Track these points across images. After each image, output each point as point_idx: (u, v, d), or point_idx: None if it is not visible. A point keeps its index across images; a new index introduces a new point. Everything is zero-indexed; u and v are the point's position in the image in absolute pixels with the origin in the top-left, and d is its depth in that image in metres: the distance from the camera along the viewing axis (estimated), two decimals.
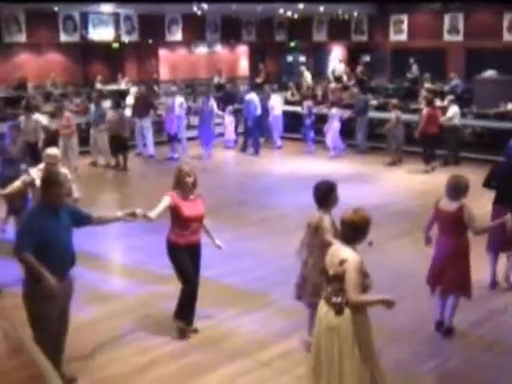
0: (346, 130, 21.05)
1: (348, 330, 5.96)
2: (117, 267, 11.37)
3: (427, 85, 24.65)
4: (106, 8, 25.61)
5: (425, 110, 18.52)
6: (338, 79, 28.31)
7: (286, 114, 22.81)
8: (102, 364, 7.61)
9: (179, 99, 20.81)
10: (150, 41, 28.48)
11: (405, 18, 29.52)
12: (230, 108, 22.07)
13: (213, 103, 21.02)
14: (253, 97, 21.37)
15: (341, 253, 6.03)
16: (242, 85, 28.23)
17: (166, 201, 7.92)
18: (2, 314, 4.62)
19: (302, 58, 34.52)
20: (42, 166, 9.74)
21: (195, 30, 29.34)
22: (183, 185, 7.99)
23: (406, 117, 20.00)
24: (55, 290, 6.47)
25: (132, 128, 20.37)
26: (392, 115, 19.18)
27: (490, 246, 9.89)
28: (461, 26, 27.74)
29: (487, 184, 10.06)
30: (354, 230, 6.04)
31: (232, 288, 9.86)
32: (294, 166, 19.29)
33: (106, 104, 20.40)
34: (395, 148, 19.31)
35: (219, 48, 32.43)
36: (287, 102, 24.98)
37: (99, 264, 10.95)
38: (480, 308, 8.97)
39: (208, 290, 8.71)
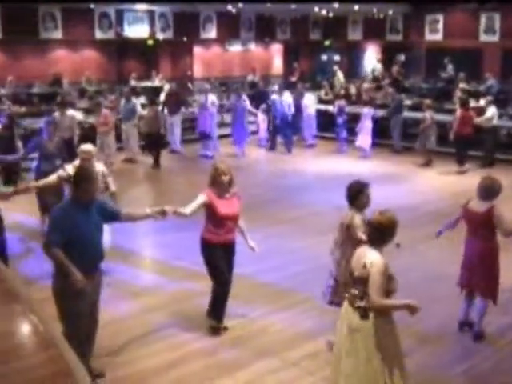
0: (380, 130, 20.96)
1: (370, 334, 5.94)
2: (149, 263, 11.41)
3: (462, 85, 24.43)
4: (141, 6, 25.75)
5: (458, 112, 18.38)
6: (377, 79, 28.12)
7: (319, 112, 22.78)
8: (131, 359, 7.65)
9: (211, 97, 20.88)
10: (185, 38, 28.56)
11: (440, 17, 29.26)
12: (263, 106, 22.03)
13: (245, 101, 21.03)
14: (277, 96, 21.43)
15: (366, 255, 6.01)
16: (275, 83, 28.18)
17: (201, 198, 7.89)
18: (30, 307, 4.64)
19: (337, 57, 34.41)
20: (77, 162, 9.81)
21: (229, 28, 29.43)
22: (219, 183, 7.94)
23: (439, 117, 19.87)
24: (83, 287, 6.51)
25: (164, 125, 20.45)
26: (427, 115, 19.03)
27: None
28: (497, 26, 27.44)
29: None
30: (381, 232, 6.02)
31: (263, 286, 9.87)
32: (326, 165, 19.26)
33: (140, 101, 20.51)
34: (427, 149, 19.18)
35: (253, 46, 32.43)
36: (321, 101, 24.94)
37: (131, 260, 11.03)
38: (510, 312, 8.88)
39: (239, 287, 8.70)
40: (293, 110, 21.36)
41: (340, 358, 6.18)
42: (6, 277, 5.87)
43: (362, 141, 20.40)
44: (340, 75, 29.00)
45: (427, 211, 14.19)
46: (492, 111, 18.54)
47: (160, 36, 27.32)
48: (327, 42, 33.77)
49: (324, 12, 29.50)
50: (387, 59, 29.60)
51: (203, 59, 30.50)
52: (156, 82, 26.76)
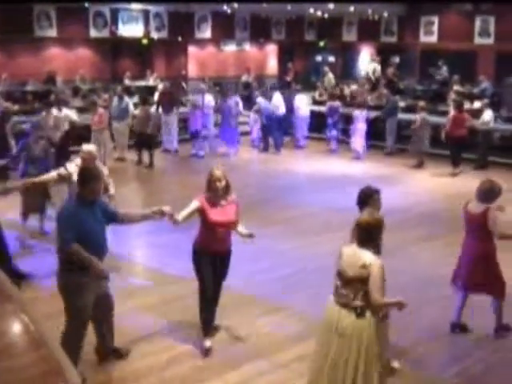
0: (374, 132, 20.99)
1: (371, 333, 6.03)
2: (140, 264, 11.37)
3: (456, 87, 24.47)
4: (136, 5, 25.74)
5: (451, 113, 18.48)
6: (376, 80, 28.06)
7: (312, 113, 22.84)
8: (120, 361, 7.63)
9: (208, 97, 20.97)
10: (180, 38, 28.54)
11: (435, 19, 29.28)
12: (254, 107, 22.08)
13: (235, 101, 21.12)
14: (262, 98, 21.59)
15: (362, 256, 6.06)
16: (268, 84, 28.23)
17: (194, 204, 7.69)
18: (21, 307, 4.64)
19: (331, 58, 34.41)
20: (78, 161, 9.85)
21: (224, 28, 29.42)
22: (214, 189, 7.68)
23: (433, 119, 19.92)
24: (105, 275, 6.94)
25: (158, 124, 20.45)
26: (417, 117, 19.13)
27: None
28: (492, 28, 27.49)
29: None
30: (370, 232, 6.14)
31: (253, 288, 9.83)
32: (319, 166, 19.30)
33: (134, 100, 20.52)
34: (419, 150, 19.23)
35: (248, 46, 32.41)
36: (315, 102, 24.98)
37: (122, 261, 10.96)
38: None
39: (229, 289, 8.66)
40: (283, 110, 21.41)
41: (326, 361, 6.20)
42: None
43: (355, 143, 20.46)
44: (331, 76, 29.00)
45: (419, 213, 14.22)
46: (489, 114, 18.60)
47: (155, 35, 27.29)
48: (322, 43, 33.78)
49: (319, 13, 29.50)
50: (382, 61, 29.59)
51: (198, 59, 30.48)
52: (150, 82, 26.76)
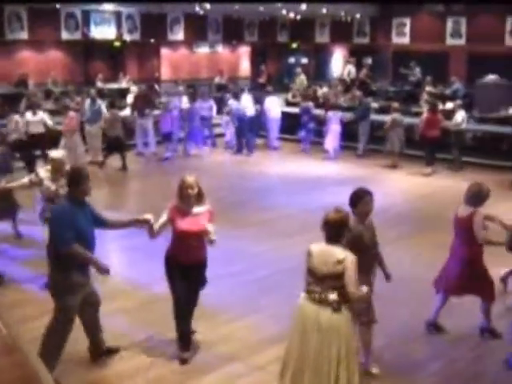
0: (347, 133, 21.01)
1: (348, 327, 6.21)
2: (114, 267, 11.26)
3: (429, 88, 24.59)
4: (108, 6, 25.59)
5: (425, 114, 18.62)
6: (352, 81, 28.07)
7: (285, 115, 22.87)
8: (99, 364, 7.58)
9: (185, 99, 21.01)
10: (152, 40, 28.46)
11: (407, 20, 29.44)
12: (226, 109, 22.05)
13: (210, 105, 21.39)
14: (233, 100, 21.61)
15: (335, 252, 6.22)
16: (242, 85, 28.18)
17: (164, 215, 7.50)
18: None
19: (304, 60, 34.46)
20: (49, 166, 9.76)
21: (197, 30, 29.36)
22: (185, 196, 7.43)
23: (407, 120, 19.98)
24: (108, 270, 7.24)
25: (131, 127, 20.36)
26: (388, 118, 19.25)
27: None
28: (463, 29, 27.69)
29: None
30: (339, 228, 6.30)
31: (228, 291, 9.79)
32: (291, 168, 19.29)
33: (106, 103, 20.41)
34: (392, 151, 19.31)
35: (221, 48, 32.38)
36: (288, 104, 25.00)
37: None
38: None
39: (203, 292, 8.58)
40: (252, 112, 21.39)
41: (305, 361, 6.25)
42: None
43: (328, 144, 20.52)
44: (303, 78, 29.02)
45: (395, 213, 14.23)
46: (461, 115, 18.69)
47: (127, 37, 27.17)
48: (294, 45, 33.82)
49: (292, 14, 29.52)
50: (357, 62, 29.69)
51: (170, 61, 30.40)
52: (123, 84, 26.65)
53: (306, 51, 34.49)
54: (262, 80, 29.99)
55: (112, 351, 7.81)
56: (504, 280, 9.87)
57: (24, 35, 24.34)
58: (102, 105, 19.61)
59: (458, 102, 20.19)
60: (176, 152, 20.58)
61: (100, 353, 7.71)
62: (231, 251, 11.32)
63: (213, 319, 8.61)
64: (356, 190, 7.49)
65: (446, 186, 16.91)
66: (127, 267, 11.06)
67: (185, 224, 7.41)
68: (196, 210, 7.47)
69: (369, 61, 28.91)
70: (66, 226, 6.92)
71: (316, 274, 6.25)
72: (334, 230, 6.29)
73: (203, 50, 31.58)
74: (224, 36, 30.53)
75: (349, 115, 21.02)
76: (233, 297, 9.64)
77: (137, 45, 28.44)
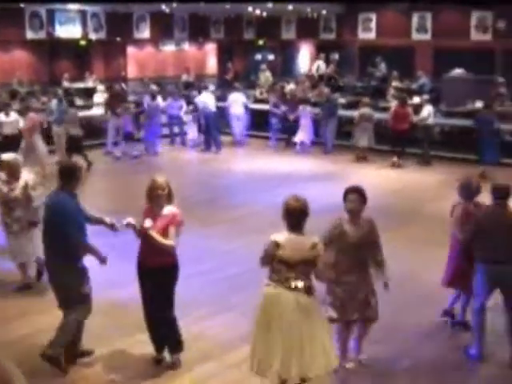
0: (316, 129, 21.09)
1: (318, 308, 6.63)
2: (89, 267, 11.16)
3: (395, 83, 24.71)
4: (73, 5, 25.36)
5: (392, 108, 18.79)
6: (320, 78, 28.07)
7: (253, 111, 22.91)
8: (70, 368, 7.48)
9: (159, 98, 21.02)
10: (118, 38, 28.26)
11: (373, 16, 29.55)
12: (190, 107, 22.01)
13: (180, 105, 21.50)
14: (198, 98, 21.68)
15: (306, 238, 6.49)
16: (210, 83, 28.11)
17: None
18: None
19: (271, 57, 34.48)
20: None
21: (163, 28, 29.22)
22: (155, 198, 7.25)
23: (375, 115, 20.05)
24: (105, 262, 7.58)
25: (101, 126, 20.22)
26: (357, 112, 19.42)
27: None
28: (429, 24, 27.86)
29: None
30: (300, 216, 6.45)
31: (198, 290, 9.71)
32: (260, 164, 19.30)
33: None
34: (362, 146, 19.42)
35: (187, 46, 32.24)
36: (257, 100, 25.00)
37: None
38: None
39: None
40: (213, 109, 21.37)
41: (279, 345, 6.37)
42: None
43: (298, 137, 20.63)
44: (268, 74, 29.03)
45: (366, 208, 14.22)
46: (428, 110, 18.81)
47: (93, 36, 26.95)
48: (261, 42, 33.79)
49: (258, 11, 29.49)
50: (326, 58, 29.74)
51: (137, 59, 30.21)
52: (90, 83, 26.45)
53: (272, 48, 34.48)
54: (228, 77, 29.94)
55: (86, 353, 7.74)
56: None
57: None
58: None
59: (425, 96, 20.33)
60: (144, 151, 20.47)
61: (75, 355, 7.63)
62: (201, 249, 11.27)
63: (183, 318, 8.26)
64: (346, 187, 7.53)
65: (415, 181, 17.01)
66: (101, 266, 10.95)
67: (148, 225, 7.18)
68: (165, 211, 7.30)
69: (336, 56, 28.97)
70: (75, 220, 7.23)
71: (289, 262, 6.40)
72: (295, 218, 6.46)
73: (169, 47, 31.42)
74: (190, 34, 30.41)
75: (317, 111, 21.08)
76: (203, 295, 9.59)
77: (103, 44, 28.22)
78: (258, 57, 34.72)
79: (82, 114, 20.82)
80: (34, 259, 9.87)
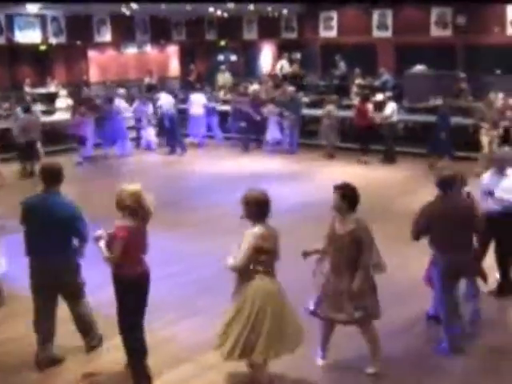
0: (280, 128, 21.14)
1: (281, 289, 6.91)
2: None
3: (358, 80, 24.83)
4: (32, 9, 25.05)
5: (355, 105, 19.03)
6: (284, 77, 28.09)
7: (217, 112, 22.97)
8: (43, 375, 7.43)
9: (123, 102, 20.94)
10: (79, 42, 28.05)
11: (334, 14, 29.69)
12: (151, 109, 21.98)
13: (118, 104, 21.21)
14: (162, 100, 21.69)
15: (273, 229, 6.84)
16: (172, 85, 28.08)
17: None
18: None
19: (233, 57, 34.47)
20: None
21: (124, 31, 29.08)
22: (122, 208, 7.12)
23: (339, 113, 20.14)
24: None
25: (63, 132, 20.05)
26: (323, 110, 19.51)
27: None
28: (389, 22, 28.05)
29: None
30: (268, 207, 6.82)
31: (167, 293, 9.55)
32: (225, 166, 19.26)
33: (38, 107, 20.07)
34: (327, 144, 19.52)
35: (149, 48, 32.12)
36: (223, 101, 25.00)
37: None
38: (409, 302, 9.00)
39: None
40: (172, 111, 21.35)
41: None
42: None
43: (272, 134, 20.77)
44: (227, 75, 29.03)
45: (329, 207, 14.23)
46: (392, 107, 18.91)
47: (53, 41, 26.73)
48: (223, 43, 33.78)
49: (219, 12, 29.47)
50: (289, 58, 29.83)
51: (98, 63, 30.03)
52: (52, 88, 26.24)
53: (234, 48, 34.49)
54: (191, 78, 29.90)
55: (57, 361, 7.65)
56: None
57: None
58: (38, 110, 19.24)
59: (388, 93, 20.46)
60: (105, 156, 20.43)
61: (46, 362, 7.55)
62: (168, 252, 11.18)
63: (153, 322, 8.08)
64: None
65: (382, 177, 17.09)
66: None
67: None
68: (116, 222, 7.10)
69: (298, 56, 29.05)
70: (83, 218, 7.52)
71: (269, 252, 6.74)
72: (266, 208, 6.80)
73: (131, 50, 31.28)
74: (152, 36, 30.33)
75: (281, 110, 21.14)
76: (171, 298, 9.49)
77: (63, 48, 27.97)
78: (221, 58, 34.70)
79: (45, 119, 20.63)
80: None
